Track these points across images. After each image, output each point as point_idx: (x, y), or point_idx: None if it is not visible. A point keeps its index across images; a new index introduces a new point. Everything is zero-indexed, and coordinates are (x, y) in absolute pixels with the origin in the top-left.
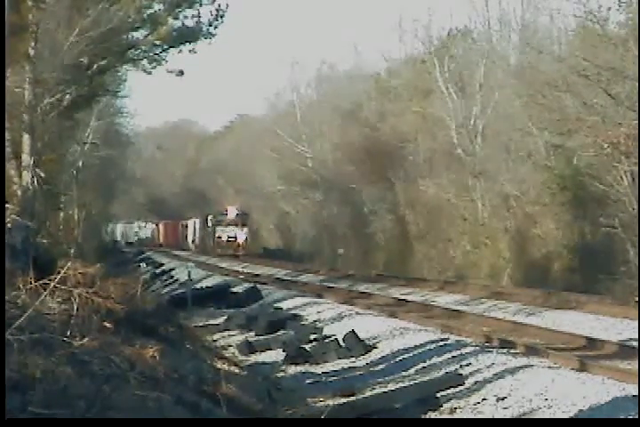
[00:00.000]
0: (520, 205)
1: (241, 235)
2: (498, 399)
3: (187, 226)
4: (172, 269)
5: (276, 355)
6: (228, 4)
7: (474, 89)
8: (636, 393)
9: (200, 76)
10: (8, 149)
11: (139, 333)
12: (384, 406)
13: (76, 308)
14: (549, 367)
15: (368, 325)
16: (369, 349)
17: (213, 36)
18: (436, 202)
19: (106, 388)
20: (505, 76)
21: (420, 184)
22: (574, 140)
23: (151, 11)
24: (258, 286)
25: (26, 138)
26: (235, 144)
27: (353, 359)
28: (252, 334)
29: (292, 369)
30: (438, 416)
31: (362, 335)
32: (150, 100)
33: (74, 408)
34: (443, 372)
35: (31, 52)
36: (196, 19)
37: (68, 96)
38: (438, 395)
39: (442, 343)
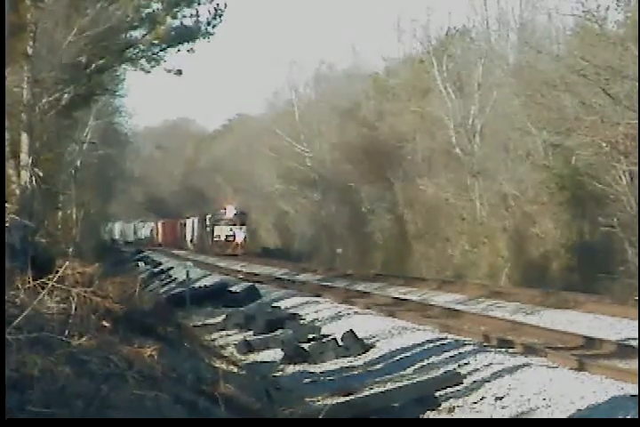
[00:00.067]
0: (518, 204)
1: (239, 234)
2: (496, 399)
3: (185, 225)
4: (171, 269)
5: (275, 354)
6: (226, 4)
7: (472, 88)
8: (635, 393)
9: (198, 75)
10: (6, 149)
11: (137, 332)
12: (382, 406)
13: (74, 307)
14: (548, 367)
15: (366, 324)
16: (367, 348)
17: (212, 35)
18: (434, 201)
19: (104, 387)
20: (503, 76)
21: (418, 183)
22: (573, 140)
23: (149, 10)
24: (256, 285)
25: (24, 137)
26: (233, 143)
27: (351, 359)
28: (251, 333)
29: (291, 368)
30: (437, 416)
31: (360, 335)
32: (149, 99)
33: (72, 407)
34: (441, 371)
35: (30, 51)
36: (194, 18)
37: (66, 95)
38: (437, 394)
39: (440, 343)
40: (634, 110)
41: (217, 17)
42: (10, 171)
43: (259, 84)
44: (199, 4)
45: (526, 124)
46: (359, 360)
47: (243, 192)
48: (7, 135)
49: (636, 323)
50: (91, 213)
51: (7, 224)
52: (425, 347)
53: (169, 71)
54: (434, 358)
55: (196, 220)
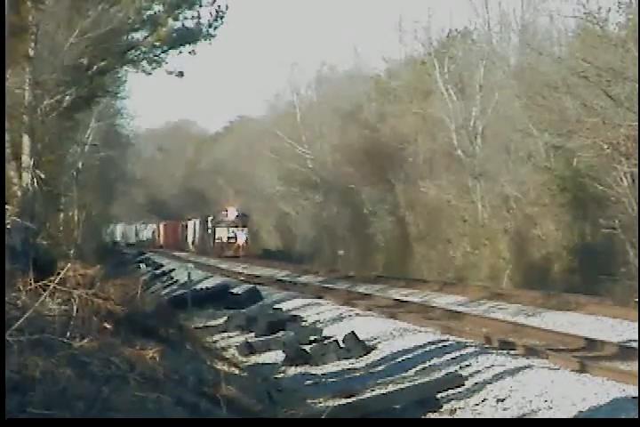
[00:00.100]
0: (520, 206)
1: (241, 236)
2: (498, 400)
3: (186, 227)
4: (172, 271)
5: (276, 356)
6: (227, 6)
7: (474, 90)
8: (636, 394)
9: (200, 77)
10: (8, 151)
11: (139, 334)
12: (384, 408)
13: (75, 309)
14: (549, 368)
15: (368, 326)
16: (369, 350)
17: (213, 37)
18: (435, 203)
19: (105, 389)
20: (505, 78)
21: (419, 185)
22: (574, 142)
23: (151, 12)
24: (258, 287)
25: (26, 139)
26: (234, 145)
27: (353, 360)
28: (252, 335)
29: (292, 370)
30: (438, 417)
31: (362, 336)
32: (150, 101)
33: (73, 409)
34: (443, 373)
35: (31, 53)
36: (195, 20)
37: (67, 97)
38: (438, 396)
39: (442, 344)
40: (635, 112)
41: (218, 19)
42: (11, 173)
43: (260, 86)
44: (201, 5)
45: (528, 126)
46: (361, 362)
47: (244, 194)
48: (8, 137)
49: (637, 325)
50: (92, 215)
51: (9, 226)
52: (426, 349)
53: (170, 73)
54: (435, 360)
55: (197, 221)
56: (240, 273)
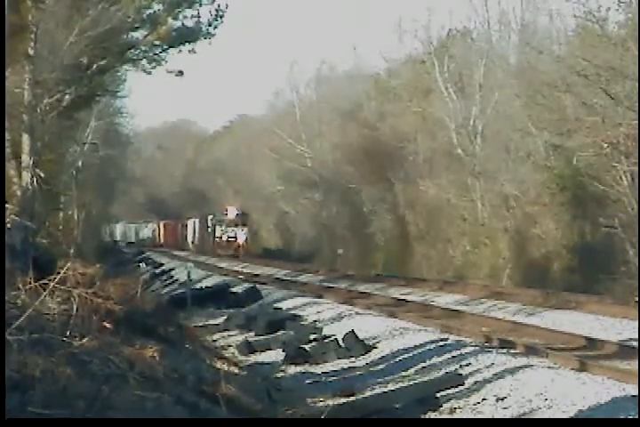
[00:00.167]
0: (520, 205)
1: (241, 235)
2: (497, 400)
3: (186, 226)
4: (172, 270)
5: (276, 355)
6: (227, 5)
7: (473, 89)
8: (636, 393)
9: (199, 76)
10: (8, 150)
11: (138, 333)
12: (384, 407)
13: (75, 308)
14: (549, 367)
15: (368, 325)
16: (368, 349)
17: (213, 36)
18: (435, 202)
19: (105, 388)
20: (504, 77)
21: (419, 184)
22: (574, 141)
23: (151, 11)
24: (257, 286)
25: (25, 138)
26: (234, 144)
27: (352, 359)
28: (252, 334)
29: (292, 369)
30: (438, 416)
31: (361, 335)
32: (150, 100)
33: (73, 408)
34: (442, 372)
35: (31, 52)
36: (195, 19)
37: (67, 96)
38: (438, 395)
39: (441, 343)
40: (634, 111)
41: (218, 18)
42: (11, 172)
43: (259, 85)
44: (200, 4)
45: (527, 125)
46: (360, 361)
47: (243, 193)
48: (8, 136)
49: (637, 323)
50: (92, 214)
51: (8, 225)
52: (426, 348)
53: (170, 72)
54: (435, 359)
55: (197, 221)
56: (240, 272)
